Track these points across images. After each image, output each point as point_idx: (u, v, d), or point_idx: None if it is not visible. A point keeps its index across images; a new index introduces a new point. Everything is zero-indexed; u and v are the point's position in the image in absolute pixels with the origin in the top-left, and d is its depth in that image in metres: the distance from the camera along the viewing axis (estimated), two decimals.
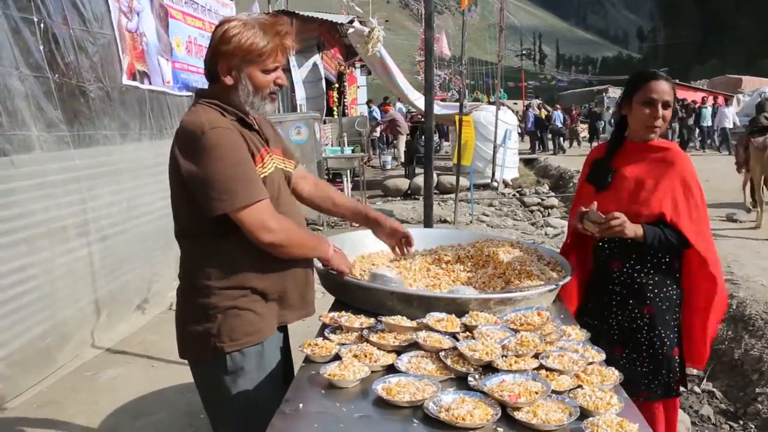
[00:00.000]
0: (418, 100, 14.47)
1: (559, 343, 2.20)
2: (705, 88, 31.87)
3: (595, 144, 26.20)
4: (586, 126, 29.32)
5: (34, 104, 4.66)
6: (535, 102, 33.28)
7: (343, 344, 2.20)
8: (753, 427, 4.54)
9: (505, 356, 2.03)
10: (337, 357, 2.09)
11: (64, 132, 5.00)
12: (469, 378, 1.93)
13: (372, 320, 2.35)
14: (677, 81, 32.56)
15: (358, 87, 25.16)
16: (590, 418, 1.69)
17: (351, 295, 2.60)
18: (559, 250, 3.27)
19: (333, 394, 1.91)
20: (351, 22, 14.01)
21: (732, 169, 11.28)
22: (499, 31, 18.36)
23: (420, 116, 19.09)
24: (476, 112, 15.40)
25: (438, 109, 15.11)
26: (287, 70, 11.91)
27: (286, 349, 2.59)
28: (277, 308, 2.40)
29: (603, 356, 2.13)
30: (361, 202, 2.76)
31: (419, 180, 13.07)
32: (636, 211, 2.77)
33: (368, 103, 26.46)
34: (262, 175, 2.28)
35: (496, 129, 15.04)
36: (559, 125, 26.78)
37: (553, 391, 1.83)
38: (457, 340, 2.16)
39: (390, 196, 14.33)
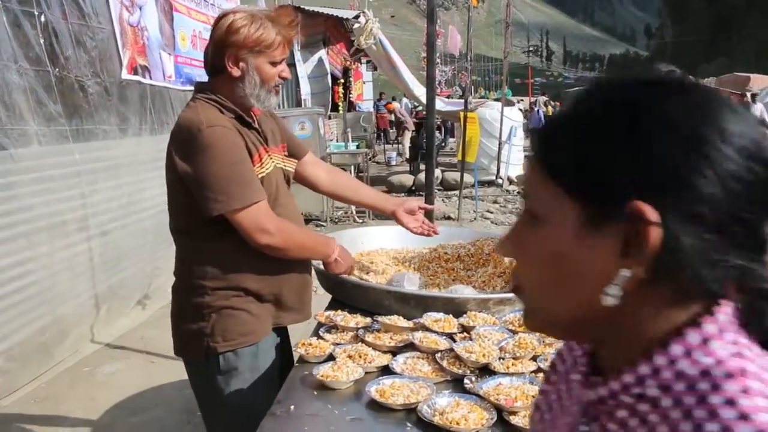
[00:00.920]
0: (424, 95, 14.40)
1: (558, 345, 2.16)
2: (713, 86, 31.64)
3: None
4: None
5: (33, 98, 4.63)
6: (542, 99, 33.12)
7: (337, 344, 2.16)
8: None
9: (503, 358, 1.99)
10: (331, 357, 2.06)
11: (63, 126, 4.97)
12: (465, 380, 1.89)
13: (368, 320, 2.31)
14: None
15: (364, 82, 25.11)
16: None
17: (347, 294, 2.56)
18: None
19: (325, 396, 1.87)
20: (357, 17, 13.96)
21: None
22: (506, 27, 18.25)
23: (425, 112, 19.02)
24: (481, 109, 15.32)
25: (442, 105, 15.07)
26: (291, 65, 11.89)
27: (284, 350, 2.56)
28: (273, 309, 2.37)
29: None
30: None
31: (424, 176, 13.01)
32: None
33: (379, 97, 26.41)
34: (260, 175, 2.24)
35: (502, 126, 14.96)
36: None
37: None
38: (454, 340, 2.12)
39: (394, 192, 14.28)
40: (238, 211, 2.12)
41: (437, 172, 12.11)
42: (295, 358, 2.22)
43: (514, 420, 1.67)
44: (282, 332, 2.54)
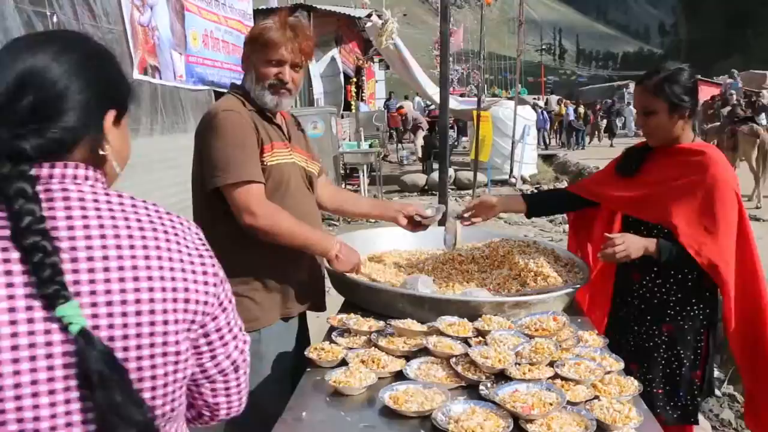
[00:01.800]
0: (437, 94, 14.36)
1: (575, 349, 2.11)
2: (727, 83, 31.20)
3: (612, 141, 25.86)
4: (605, 121, 28.89)
5: None
6: (554, 98, 32.81)
7: (350, 348, 2.13)
8: None
9: (519, 364, 1.94)
10: (343, 362, 2.02)
11: None
12: (481, 387, 1.85)
13: (381, 323, 2.27)
14: (699, 77, 31.93)
15: (377, 81, 25.09)
16: None
17: (360, 296, 2.53)
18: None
19: (338, 402, 1.84)
20: (369, 15, 13.93)
21: None
22: (519, 25, 18.20)
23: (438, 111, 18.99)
24: (495, 108, 15.24)
25: (456, 104, 15.01)
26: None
27: (301, 342, 2.56)
28: (280, 298, 2.43)
29: (622, 365, 2.04)
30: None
31: (437, 175, 12.96)
32: (646, 209, 2.62)
33: (389, 97, 26.37)
34: (268, 163, 2.34)
35: (515, 125, 14.89)
36: (572, 118, 26.16)
37: (569, 402, 1.74)
38: (469, 345, 2.08)
39: (407, 192, 14.24)
40: (230, 187, 2.22)
41: (450, 171, 12.04)
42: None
43: (531, 428, 1.63)
44: (301, 323, 2.60)
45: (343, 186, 11.10)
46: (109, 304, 1.01)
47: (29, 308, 0.96)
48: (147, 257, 1.07)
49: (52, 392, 0.97)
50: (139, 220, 1.11)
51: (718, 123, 13.65)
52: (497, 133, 14.70)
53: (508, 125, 14.98)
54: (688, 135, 2.63)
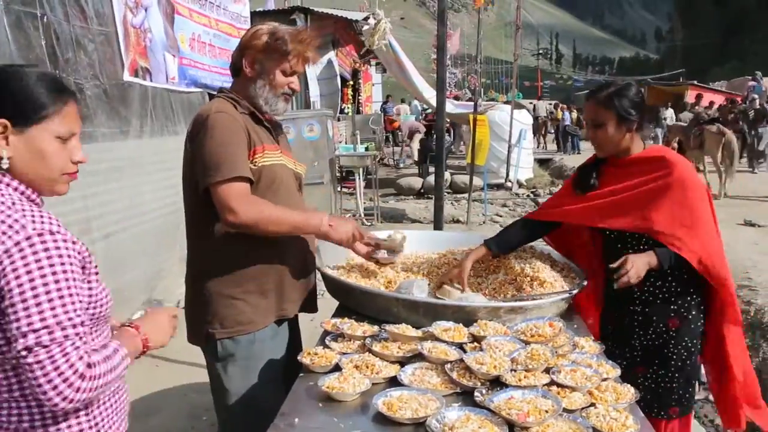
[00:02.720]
0: (433, 98, 14.34)
1: (571, 356, 2.09)
2: (724, 89, 31.20)
3: None
4: None
5: None
6: (542, 104, 32.63)
7: (344, 353, 2.10)
8: None
9: (514, 370, 1.92)
10: (337, 367, 2.00)
11: None
12: (476, 393, 1.82)
13: (375, 328, 2.25)
14: (695, 82, 31.93)
15: (373, 84, 25.07)
16: None
17: (354, 301, 2.50)
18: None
19: (331, 408, 1.81)
20: (366, 18, 13.89)
21: None
22: (515, 29, 18.21)
23: (434, 114, 18.95)
24: (491, 111, 15.22)
25: (452, 107, 14.98)
26: None
27: (293, 344, 2.59)
28: (275, 302, 2.44)
29: (618, 372, 2.02)
30: None
31: (433, 179, 12.93)
32: (616, 217, 2.64)
33: (385, 100, 26.31)
34: (260, 164, 2.35)
35: (511, 129, 14.87)
36: (567, 123, 26.09)
37: (565, 410, 1.72)
38: (465, 351, 2.05)
39: (403, 195, 14.21)
40: (216, 185, 2.21)
41: (446, 174, 12.02)
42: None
43: None
44: (293, 326, 2.62)
45: (339, 189, 11.09)
46: None
47: None
48: None
49: None
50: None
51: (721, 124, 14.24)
52: (493, 137, 14.67)
53: (505, 129, 14.97)
54: (639, 145, 2.71)
